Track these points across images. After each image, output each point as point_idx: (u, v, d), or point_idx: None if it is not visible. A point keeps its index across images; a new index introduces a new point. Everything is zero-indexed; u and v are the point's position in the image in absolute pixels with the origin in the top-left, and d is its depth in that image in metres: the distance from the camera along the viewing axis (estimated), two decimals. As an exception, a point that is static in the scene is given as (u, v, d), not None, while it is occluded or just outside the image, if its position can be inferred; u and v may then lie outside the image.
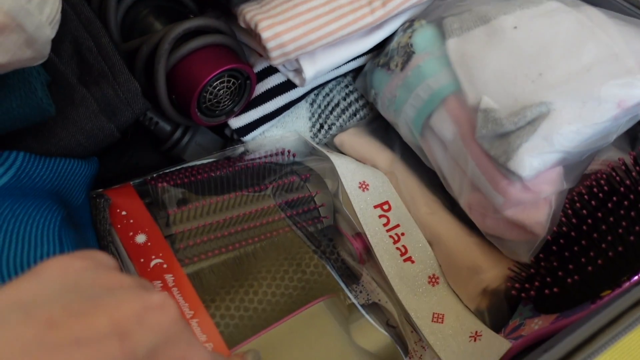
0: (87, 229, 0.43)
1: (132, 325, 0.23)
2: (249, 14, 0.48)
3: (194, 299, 0.41)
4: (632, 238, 0.37)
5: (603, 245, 0.38)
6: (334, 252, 0.48)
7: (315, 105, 0.57)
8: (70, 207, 0.42)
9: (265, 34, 0.47)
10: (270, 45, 0.47)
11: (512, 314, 0.46)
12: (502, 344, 0.42)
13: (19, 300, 0.22)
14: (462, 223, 0.49)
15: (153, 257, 0.43)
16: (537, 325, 0.41)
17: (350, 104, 0.58)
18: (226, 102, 0.52)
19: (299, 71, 0.51)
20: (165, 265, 0.43)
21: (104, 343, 0.22)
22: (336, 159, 0.52)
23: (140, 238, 0.44)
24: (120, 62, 0.47)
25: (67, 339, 0.21)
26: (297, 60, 0.50)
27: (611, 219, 0.39)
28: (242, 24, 0.49)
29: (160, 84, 0.49)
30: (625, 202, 0.39)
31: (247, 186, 0.50)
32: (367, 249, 0.50)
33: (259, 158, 0.54)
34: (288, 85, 0.54)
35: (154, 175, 0.50)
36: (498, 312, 0.46)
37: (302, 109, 0.57)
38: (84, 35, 0.48)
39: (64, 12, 0.48)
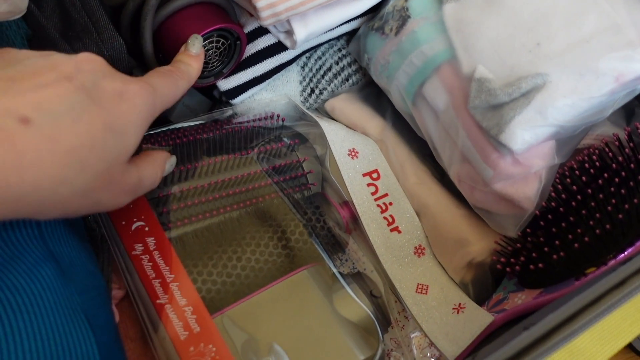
0: None
1: (74, 72, 0.30)
2: (239, -29, 0.46)
3: (176, 263, 0.41)
4: (620, 216, 0.36)
5: (591, 223, 0.38)
6: (320, 220, 0.47)
7: (307, 69, 0.56)
8: None
9: (255, -7, 0.45)
10: (260, 4, 0.45)
11: (497, 287, 0.46)
12: (484, 317, 0.42)
13: None
14: (451, 194, 0.48)
15: (135, 219, 0.42)
16: (520, 299, 0.41)
17: (342, 69, 0.56)
18: (215, 63, 0.50)
19: (290, 33, 0.49)
20: (147, 228, 0.42)
21: (58, 83, 0.29)
22: (326, 125, 0.51)
23: (123, 200, 0.43)
24: (104, 18, 0.45)
25: (29, 86, 0.28)
26: (288, 21, 0.48)
27: (601, 195, 0.38)
28: (232, -19, 0.47)
29: (147, 42, 0.47)
30: (616, 179, 0.38)
31: (235, 150, 0.49)
32: (354, 218, 0.49)
33: (248, 121, 0.53)
34: (279, 47, 0.52)
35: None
36: (482, 285, 0.46)
37: (293, 72, 0.55)
38: (67, -12, 0.46)
39: (44, -37, 0.47)
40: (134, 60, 0.47)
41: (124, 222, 0.42)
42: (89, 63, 0.31)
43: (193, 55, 0.43)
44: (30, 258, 0.32)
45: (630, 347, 0.61)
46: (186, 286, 0.40)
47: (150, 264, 0.41)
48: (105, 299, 0.38)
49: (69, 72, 0.29)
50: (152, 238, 0.42)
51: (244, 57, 0.52)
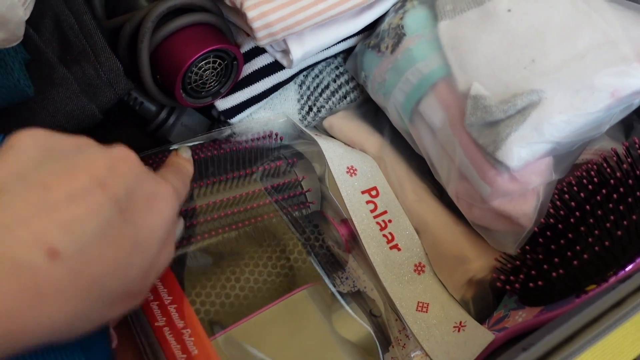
0: None
1: (107, 176, 0.28)
2: (235, -8, 0.46)
3: (174, 285, 0.41)
4: (619, 232, 0.36)
5: (590, 239, 0.37)
6: (318, 238, 0.47)
7: (305, 87, 0.56)
8: None
9: (250, 13, 0.45)
10: (256, 25, 0.46)
11: (498, 304, 0.45)
12: (485, 336, 0.42)
13: (12, 172, 0.27)
14: (450, 211, 0.48)
15: (133, 242, 0.42)
16: (521, 317, 0.40)
17: (340, 86, 0.56)
18: (212, 83, 0.50)
19: (286, 52, 0.50)
20: (145, 251, 0.42)
21: (90, 195, 0.27)
22: (324, 143, 0.51)
23: (121, 222, 0.43)
24: (102, 41, 0.46)
25: (62, 197, 0.26)
26: (284, 40, 0.49)
27: (599, 212, 0.38)
28: (228, 2, 0.47)
29: (144, 64, 0.48)
30: (615, 195, 0.38)
31: (233, 170, 0.49)
32: (354, 236, 0.49)
33: (246, 141, 0.53)
34: (276, 66, 0.52)
35: (139, 156, 0.49)
36: (483, 302, 0.45)
37: (291, 90, 0.56)
38: (65, 11, 0.47)
39: (43, -13, 0.47)
40: (132, 81, 0.48)
41: (122, 244, 0.42)
42: (123, 163, 0.30)
43: (187, 158, 0.43)
44: None
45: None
46: (184, 308, 0.40)
47: (149, 286, 0.40)
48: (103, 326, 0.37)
49: (102, 175, 0.28)
50: (151, 260, 0.42)
51: (241, 76, 0.52)
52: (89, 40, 0.46)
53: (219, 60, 0.49)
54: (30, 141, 0.28)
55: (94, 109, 0.46)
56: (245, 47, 0.52)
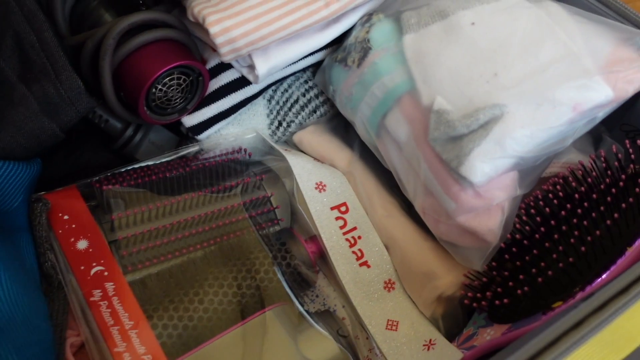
0: (22, 233, 0.42)
1: None
2: (197, 7, 0.46)
3: (135, 309, 0.40)
4: (583, 248, 0.35)
5: (554, 256, 0.37)
6: (285, 257, 0.46)
7: (274, 102, 0.55)
8: (1, 212, 0.40)
9: (213, 29, 0.45)
10: (219, 40, 0.45)
11: (468, 320, 0.45)
12: (454, 354, 0.41)
13: None
14: (419, 226, 0.48)
15: (94, 264, 0.41)
16: (489, 335, 0.39)
17: (309, 100, 0.56)
18: (178, 100, 0.50)
19: (252, 67, 0.49)
20: (106, 273, 0.41)
21: None
22: (292, 159, 0.50)
23: (82, 244, 0.42)
24: (63, 59, 0.45)
25: None
26: (249, 56, 0.48)
27: (564, 227, 0.37)
28: (191, 18, 0.47)
29: (106, 81, 0.47)
30: (579, 210, 0.38)
31: (201, 187, 0.49)
32: (322, 253, 0.48)
33: (214, 157, 0.52)
34: (243, 82, 0.51)
35: (101, 176, 0.48)
36: (453, 319, 0.45)
37: (260, 105, 0.55)
38: (27, 29, 0.46)
39: (5, 4, 0.46)
40: (96, 99, 0.47)
41: (82, 267, 0.41)
42: None
43: None
44: None
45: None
46: (146, 333, 0.39)
47: (109, 310, 0.40)
48: (50, 354, 0.36)
49: None
50: (112, 283, 0.41)
51: (208, 92, 0.51)
52: (50, 58, 0.45)
53: (183, 77, 0.48)
54: None
55: (55, 128, 0.45)
56: (212, 63, 0.51)
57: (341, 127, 0.55)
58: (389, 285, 0.47)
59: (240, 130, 0.54)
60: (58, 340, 0.39)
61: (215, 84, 0.51)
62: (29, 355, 0.33)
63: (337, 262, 0.47)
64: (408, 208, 0.49)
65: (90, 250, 0.42)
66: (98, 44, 0.46)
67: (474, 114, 0.39)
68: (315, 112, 0.56)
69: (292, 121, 0.55)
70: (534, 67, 0.39)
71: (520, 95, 0.38)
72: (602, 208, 0.36)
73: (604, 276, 0.36)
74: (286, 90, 0.56)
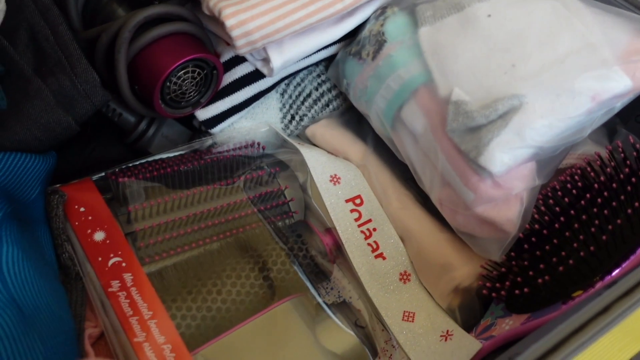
0: (40, 225, 0.42)
1: None
2: (212, 0, 0.46)
3: (154, 299, 0.40)
4: (604, 237, 0.35)
5: (575, 245, 0.37)
6: (302, 249, 0.46)
7: (286, 96, 0.55)
8: (19, 203, 0.40)
9: (229, 22, 0.45)
10: (234, 33, 0.45)
11: (485, 312, 0.45)
12: (472, 344, 0.41)
13: None
14: (434, 218, 0.48)
15: (111, 255, 0.41)
16: (508, 325, 0.40)
17: (322, 94, 0.56)
18: (192, 93, 0.50)
19: (266, 60, 0.49)
20: (124, 264, 0.41)
21: None
22: (306, 152, 0.50)
23: (99, 235, 0.42)
24: (78, 52, 0.45)
25: None
26: (264, 49, 0.48)
27: (584, 216, 0.38)
28: (206, 11, 0.47)
29: (121, 75, 0.47)
30: (599, 200, 0.38)
31: (215, 180, 0.49)
32: (338, 245, 0.48)
33: (228, 151, 0.52)
34: (257, 75, 0.51)
35: (116, 169, 0.48)
36: (470, 310, 0.45)
37: (273, 99, 0.55)
38: (41, 22, 0.46)
39: (19, -2, 0.46)
40: (110, 93, 0.47)
41: (100, 259, 0.41)
42: None
43: None
44: None
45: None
46: (165, 323, 0.39)
47: (128, 301, 0.39)
48: (72, 344, 0.36)
49: None
50: (130, 274, 0.41)
51: (221, 85, 0.51)
52: (65, 51, 0.45)
53: (198, 70, 0.48)
54: None
55: (71, 121, 0.45)
56: (225, 56, 0.51)
57: (354, 120, 0.55)
58: (405, 277, 0.47)
59: (253, 124, 0.54)
60: (77, 331, 0.39)
61: (229, 77, 0.51)
62: (53, 345, 0.33)
63: (353, 254, 0.47)
64: (423, 200, 0.49)
65: (107, 241, 0.42)
66: (113, 37, 0.46)
67: (492, 104, 0.39)
68: (327, 105, 0.56)
69: (305, 115, 0.55)
70: (552, 58, 0.39)
71: (539, 85, 0.38)
72: (622, 197, 0.36)
73: (623, 265, 0.36)
74: (299, 84, 0.56)
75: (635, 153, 0.39)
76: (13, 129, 0.43)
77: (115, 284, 0.40)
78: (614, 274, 0.36)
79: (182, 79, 0.47)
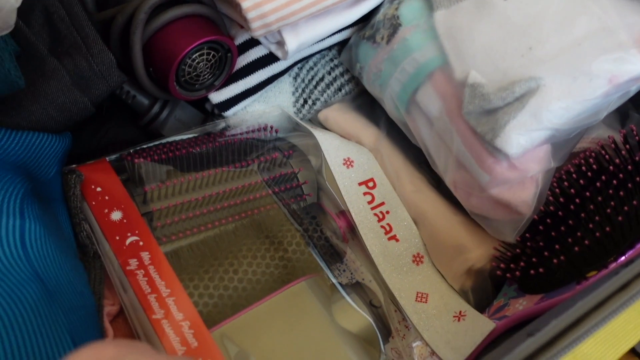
0: (58, 204, 0.42)
1: None
2: (229, -18, 0.46)
3: (171, 278, 0.40)
4: (620, 218, 0.36)
5: (590, 225, 0.37)
6: (317, 230, 0.47)
7: (299, 80, 0.56)
8: (37, 181, 0.40)
9: (245, 4, 0.45)
10: (250, 15, 0.45)
11: (497, 293, 0.45)
12: (486, 324, 0.42)
13: None
14: (448, 201, 0.48)
15: (129, 234, 0.42)
16: (521, 305, 0.40)
17: (335, 79, 0.56)
18: (206, 76, 0.50)
19: (281, 43, 0.49)
20: (141, 243, 0.41)
21: None
22: (320, 135, 0.51)
23: (116, 215, 0.43)
24: (94, 33, 0.45)
25: None
26: (279, 31, 0.48)
27: (599, 198, 0.38)
28: (222, -7, 0.47)
29: (137, 56, 0.47)
30: (614, 182, 0.38)
31: (229, 162, 0.49)
32: (351, 227, 0.49)
33: (241, 134, 0.52)
34: (270, 58, 0.52)
35: (131, 150, 0.48)
36: (482, 291, 0.45)
37: (286, 83, 0.55)
38: (56, 3, 0.46)
39: (34, -22, 0.46)
40: (125, 74, 0.47)
41: (117, 238, 0.42)
42: None
43: None
44: (14, 279, 0.31)
45: (633, 351, 0.61)
46: (183, 301, 0.39)
47: (146, 279, 0.40)
48: (94, 319, 0.37)
49: None
50: (147, 253, 0.41)
51: (235, 69, 0.51)
52: (81, 32, 0.45)
53: (212, 52, 0.48)
54: None
55: (87, 102, 0.45)
56: (239, 39, 0.51)
57: (367, 105, 0.55)
58: (418, 259, 0.47)
59: (266, 107, 0.54)
60: (97, 308, 0.39)
61: (243, 60, 0.51)
62: (76, 319, 0.33)
63: (366, 236, 0.47)
64: (436, 183, 0.50)
65: (125, 221, 0.42)
66: (128, 19, 0.46)
67: (509, 86, 0.39)
68: (340, 90, 0.56)
69: (318, 99, 0.55)
70: (569, 40, 0.39)
71: (556, 68, 0.39)
72: (638, 179, 0.37)
73: (637, 246, 0.36)
74: (312, 68, 0.56)
75: (649, 136, 0.40)
76: (29, 109, 0.43)
77: (133, 263, 0.40)
78: (627, 254, 0.36)
79: (196, 61, 0.48)
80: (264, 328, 0.40)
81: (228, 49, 0.49)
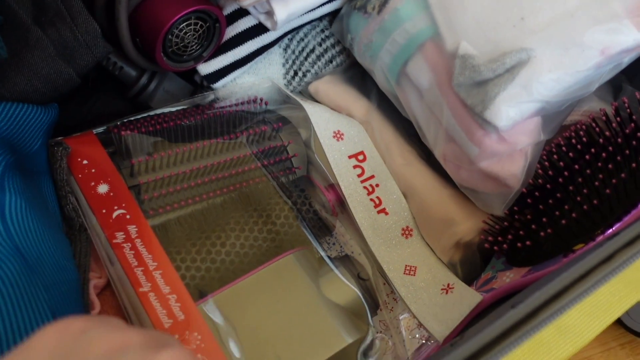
0: (43, 176, 0.41)
1: None
2: (216, -51, 0.45)
3: (158, 251, 0.40)
4: (608, 191, 0.36)
5: (578, 198, 0.37)
6: (305, 203, 0.46)
7: (289, 51, 0.55)
8: (21, 154, 0.40)
9: (232, -28, 0.44)
10: (238, -16, 0.44)
11: (485, 266, 0.45)
12: (473, 297, 0.42)
13: None
14: (437, 174, 0.48)
15: (115, 207, 0.41)
16: (508, 278, 0.40)
17: (326, 50, 0.55)
18: (194, 47, 0.49)
19: (270, 13, 0.48)
20: (128, 216, 0.41)
21: None
22: (310, 108, 0.50)
23: (102, 188, 0.42)
24: (78, 2, 0.44)
25: None
26: (268, 1, 0.47)
27: (588, 171, 0.38)
28: (209, -39, 0.46)
29: (123, 26, 0.46)
30: (604, 154, 0.38)
31: (217, 135, 0.48)
32: (341, 201, 0.48)
33: (230, 106, 0.52)
34: (260, 29, 0.51)
35: (118, 122, 0.47)
36: (471, 264, 0.45)
37: (276, 54, 0.54)
38: (39, -29, 0.45)
39: (16, -55, 0.45)
40: (110, 45, 0.46)
41: (104, 211, 0.41)
42: None
43: None
44: None
45: (619, 322, 0.62)
46: (169, 274, 0.39)
47: (132, 252, 0.40)
48: (77, 294, 0.37)
49: None
50: (134, 226, 0.41)
51: (224, 39, 0.51)
52: (65, 1, 0.44)
53: (200, 22, 0.47)
54: (51, 341, 0.21)
55: (72, 73, 0.44)
56: (228, 9, 0.50)
57: (358, 77, 0.54)
58: (407, 232, 0.47)
59: (255, 80, 0.53)
60: (82, 281, 0.39)
61: (232, 31, 0.51)
62: (57, 294, 0.33)
63: (356, 209, 0.47)
64: (426, 157, 0.49)
65: (111, 194, 0.42)
66: (114, -13, 0.45)
67: (500, 58, 0.38)
68: (331, 61, 0.55)
69: (308, 71, 0.55)
70: (562, 11, 0.39)
71: (548, 39, 0.38)
72: (627, 152, 0.36)
73: (625, 219, 0.36)
74: (302, 40, 0.55)
75: (641, 109, 0.39)
76: (13, 80, 0.43)
77: (119, 236, 0.40)
78: (615, 227, 0.36)
79: (184, 31, 0.47)
80: (251, 301, 0.40)
81: (216, 19, 0.48)
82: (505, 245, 0.41)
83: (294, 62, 0.55)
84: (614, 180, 0.36)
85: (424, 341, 0.42)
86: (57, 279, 0.35)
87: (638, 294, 0.34)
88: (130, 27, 0.46)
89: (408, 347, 0.43)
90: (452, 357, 0.28)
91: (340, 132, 0.50)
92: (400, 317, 0.43)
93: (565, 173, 0.40)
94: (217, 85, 0.52)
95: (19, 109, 0.41)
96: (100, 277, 0.42)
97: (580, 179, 0.38)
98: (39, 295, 0.32)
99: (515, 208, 0.42)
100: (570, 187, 0.38)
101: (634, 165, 0.36)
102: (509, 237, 0.41)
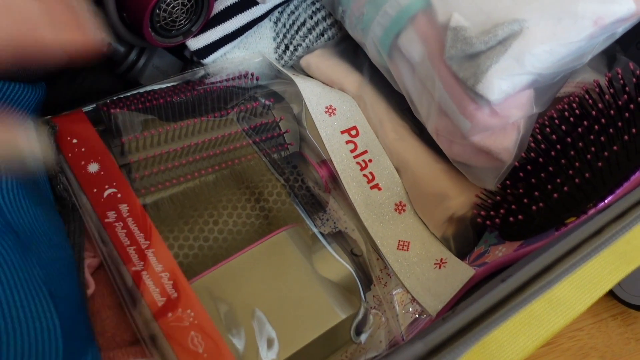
0: None
1: None
2: None
3: (150, 229, 0.40)
4: (600, 164, 0.35)
5: (570, 172, 0.37)
6: (298, 180, 0.46)
7: (280, 25, 0.54)
8: None
9: (219, -56, 0.43)
10: (226, -44, 0.43)
11: (478, 240, 0.45)
12: (466, 271, 0.42)
13: None
14: (430, 149, 0.48)
15: (106, 186, 0.41)
16: (501, 252, 0.40)
17: (317, 23, 0.54)
18: (182, 21, 0.48)
19: (259, -14, 0.47)
20: (119, 195, 0.41)
21: None
22: (301, 82, 0.49)
23: (93, 167, 0.42)
24: (62, -24, 0.43)
25: None
26: (256, -27, 0.46)
27: (580, 144, 0.37)
28: None
29: (109, 1, 0.45)
30: (596, 127, 0.37)
31: (208, 111, 0.48)
32: (333, 177, 0.48)
33: (221, 82, 0.51)
34: (249, 2, 0.50)
35: (108, 100, 0.47)
36: (464, 239, 0.45)
37: (266, 28, 0.53)
38: (21, -55, 0.43)
39: None
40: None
41: (95, 190, 0.41)
42: None
43: None
44: None
45: (612, 294, 0.62)
46: (162, 252, 0.39)
47: (125, 231, 0.40)
48: (72, 271, 0.37)
49: None
50: (125, 205, 0.41)
51: (213, 13, 0.50)
52: (49, -25, 0.43)
53: (188, -4, 0.46)
54: None
55: (58, 50, 0.43)
56: (216, -18, 0.49)
57: (350, 50, 0.53)
58: (400, 208, 0.47)
59: (246, 54, 0.53)
60: (77, 260, 0.39)
61: (221, 4, 0.50)
62: (53, 271, 0.33)
63: (349, 185, 0.47)
64: (419, 131, 0.49)
65: (102, 173, 0.42)
66: (99, -39, 0.44)
67: (492, 30, 0.38)
68: (322, 35, 0.55)
69: (299, 45, 0.54)
70: (555, -20, 0.38)
71: (540, 9, 0.37)
72: (619, 124, 0.36)
73: (617, 192, 0.36)
74: (293, 12, 0.54)
75: (634, 80, 0.39)
76: (-1, 58, 0.42)
77: (111, 215, 0.40)
78: (607, 200, 0.36)
79: (172, 5, 0.46)
80: (244, 278, 0.40)
81: (204, -8, 0.47)
82: (497, 220, 0.41)
83: (284, 36, 0.54)
84: (605, 153, 0.36)
85: (417, 315, 0.43)
86: (52, 256, 0.35)
87: (629, 267, 0.34)
88: (117, 2, 0.45)
89: (401, 321, 0.43)
90: (443, 330, 0.28)
91: (332, 107, 0.49)
92: (394, 292, 0.44)
93: (558, 146, 0.39)
94: (208, 60, 0.51)
95: (5, 86, 0.40)
96: (95, 257, 0.42)
97: (572, 152, 0.38)
98: (34, 272, 0.32)
99: (507, 182, 0.42)
100: (563, 161, 0.38)
101: (626, 137, 0.35)
102: (502, 211, 0.41)
